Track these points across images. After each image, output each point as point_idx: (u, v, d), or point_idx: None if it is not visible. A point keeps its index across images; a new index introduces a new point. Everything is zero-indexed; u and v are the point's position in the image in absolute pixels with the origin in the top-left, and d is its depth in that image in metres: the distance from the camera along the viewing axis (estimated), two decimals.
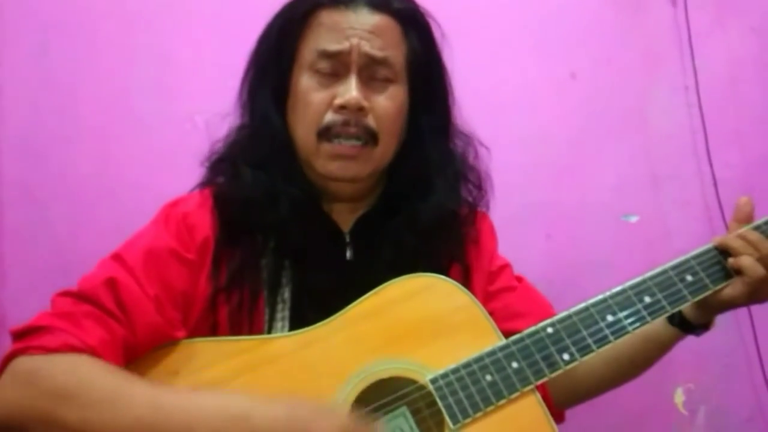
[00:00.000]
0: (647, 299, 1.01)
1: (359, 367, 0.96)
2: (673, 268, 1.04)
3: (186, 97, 1.64)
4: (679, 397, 1.69)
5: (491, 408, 0.94)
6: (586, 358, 0.98)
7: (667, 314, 1.02)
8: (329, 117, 1.05)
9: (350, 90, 1.04)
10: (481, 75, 1.65)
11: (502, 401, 0.95)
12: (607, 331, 0.99)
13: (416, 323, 1.00)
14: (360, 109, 1.04)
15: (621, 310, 1.01)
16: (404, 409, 0.96)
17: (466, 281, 1.12)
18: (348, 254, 1.11)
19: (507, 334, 1.00)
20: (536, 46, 1.74)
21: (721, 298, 1.04)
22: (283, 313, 1.04)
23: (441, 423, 0.94)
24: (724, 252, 1.05)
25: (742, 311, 1.61)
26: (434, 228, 1.10)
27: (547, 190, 1.71)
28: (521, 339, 0.99)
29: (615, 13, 1.76)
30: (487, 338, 0.99)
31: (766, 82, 1.76)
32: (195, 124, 1.63)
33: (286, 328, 1.03)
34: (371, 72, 1.06)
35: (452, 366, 0.96)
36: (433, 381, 0.96)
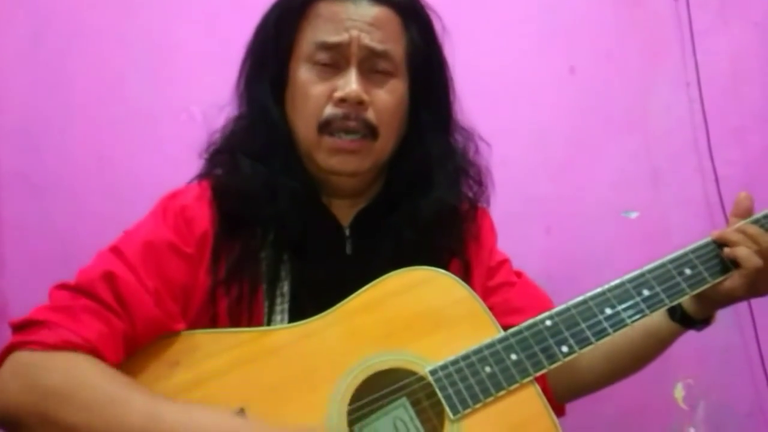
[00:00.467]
0: (646, 292, 1.02)
1: (358, 359, 0.97)
2: (672, 261, 1.04)
3: (182, 88, 1.64)
4: (679, 392, 1.69)
5: (491, 399, 0.95)
6: (584, 350, 0.98)
7: (665, 307, 1.02)
8: (329, 110, 1.04)
9: (350, 83, 1.03)
10: (480, 69, 1.65)
11: (502, 393, 0.95)
12: (605, 324, 0.99)
13: (415, 316, 1.00)
14: (360, 103, 1.04)
15: (620, 303, 1.01)
16: (404, 400, 0.96)
17: (466, 276, 1.12)
18: (347, 248, 1.11)
19: (506, 329, 1.00)
20: (535, 41, 1.74)
21: (720, 291, 1.04)
22: (282, 306, 1.04)
23: (441, 414, 0.94)
24: (722, 245, 1.05)
25: (742, 306, 1.61)
26: (434, 223, 1.09)
27: (546, 185, 1.71)
28: (520, 331, 0.99)
29: (615, 7, 1.76)
30: (486, 331, 1.00)
31: None
32: (191, 114, 1.63)
33: (286, 321, 1.03)
34: (371, 65, 1.06)
35: (452, 358, 0.97)
36: (433, 372, 0.96)
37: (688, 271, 1.03)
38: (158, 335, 0.98)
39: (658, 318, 1.11)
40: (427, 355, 0.97)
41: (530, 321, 1.00)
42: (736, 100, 1.74)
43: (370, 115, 1.05)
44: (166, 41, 1.67)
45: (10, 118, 1.64)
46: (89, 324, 0.91)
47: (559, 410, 1.17)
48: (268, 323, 1.03)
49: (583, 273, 1.64)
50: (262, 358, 0.97)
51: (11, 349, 0.90)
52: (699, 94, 1.73)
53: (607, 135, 1.73)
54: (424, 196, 1.10)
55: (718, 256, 1.04)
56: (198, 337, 0.99)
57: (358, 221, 1.12)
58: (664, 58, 1.75)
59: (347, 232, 1.11)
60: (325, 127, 1.05)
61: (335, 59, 1.05)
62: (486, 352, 0.97)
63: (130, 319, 0.95)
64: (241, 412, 0.92)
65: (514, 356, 0.97)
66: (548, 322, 1.00)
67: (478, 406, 0.94)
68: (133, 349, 0.96)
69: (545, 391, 1.10)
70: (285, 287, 1.05)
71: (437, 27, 1.14)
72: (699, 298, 1.06)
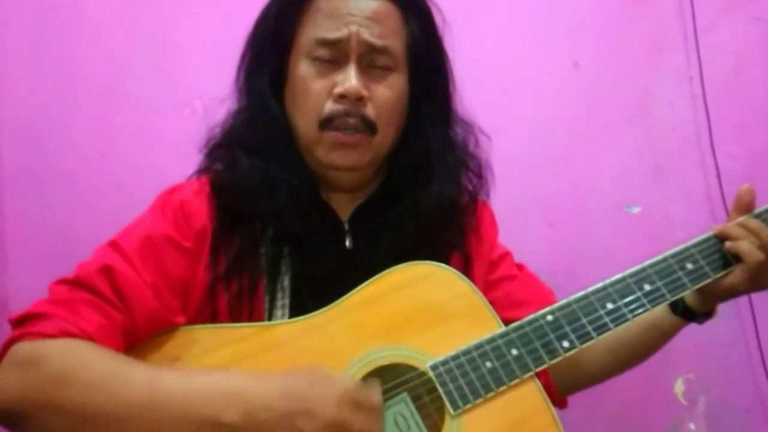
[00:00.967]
0: (647, 287, 1.01)
1: (359, 354, 0.96)
2: (673, 256, 1.04)
3: (185, 83, 1.64)
4: (679, 387, 1.69)
5: (491, 394, 0.95)
6: (585, 345, 0.98)
7: (666, 302, 1.02)
8: (329, 106, 1.04)
9: (349, 79, 1.03)
10: (483, 64, 1.65)
11: (502, 388, 0.95)
12: (606, 319, 0.99)
13: (416, 310, 1.00)
14: (359, 99, 1.04)
15: (621, 298, 1.01)
16: (405, 395, 0.96)
17: (466, 270, 1.11)
18: (347, 243, 1.10)
19: (508, 322, 1.00)
20: (539, 35, 1.74)
21: (722, 285, 1.04)
22: (283, 301, 1.04)
23: (441, 409, 0.94)
24: (723, 240, 1.04)
25: (743, 301, 1.61)
26: (434, 217, 1.09)
27: (548, 179, 1.71)
28: (521, 326, 0.99)
29: (619, 3, 1.76)
30: (487, 326, 0.99)
31: None
32: (194, 109, 1.63)
33: (286, 316, 1.03)
34: (370, 60, 1.05)
35: (452, 353, 0.96)
36: (434, 368, 0.96)
37: (689, 266, 1.03)
38: (158, 329, 0.98)
39: (659, 311, 1.10)
40: (428, 350, 0.97)
41: (531, 316, 1.00)
42: (738, 95, 1.74)
43: (369, 110, 1.05)
44: (170, 35, 1.67)
45: (13, 112, 1.64)
46: (88, 316, 0.91)
47: (561, 403, 1.18)
48: (269, 318, 1.03)
49: (585, 267, 1.64)
50: (263, 353, 0.96)
51: (10, 342, 0.90)
52: (701, 90, 1.72)
53: (609, 130, 1.73)
54: (424, 190, 1.09)
55: (719, 251, 1.04)
56: (198, 332, 0.99)
57: (358, 215, 1.12)
58: (667, 54, 1.75)
59: (346, 226, 1.11)
60: (327, 123, 1.04)
61: (335, 55, 1.05)
62: (487, 347, 0.97)
63: (129, 312, 0.94)
64: None
65: (515, 351, 0.97)
66: (549, 317, 0.99)
67: (478, 401, 0.94)
68: (133, 342, 0.96)
69: (547, 384, 1.11)
70: (285, 282, 1.05)
71: (437, 20, 1.13)
72: (701, 291, 1.06)
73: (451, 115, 1.16)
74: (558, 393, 1.16)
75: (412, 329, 0.99)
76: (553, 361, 0.97)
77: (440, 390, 0.94)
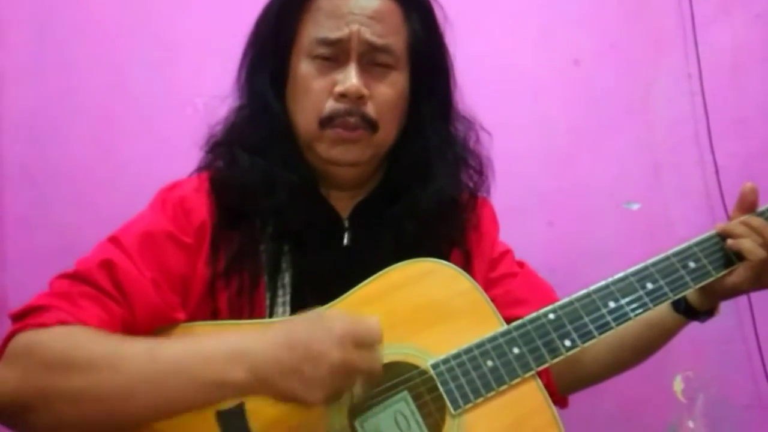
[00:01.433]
0: (649, 286, 1.01)
1: None
2: (676, 254, 1.03)
3: (187, 81, 1.64)
4: (678, 384, 1.69)
5: (492, 393, 0.94)
6: (587, 344, 0.98)
7: (669, 301, 1.02)
8: (330, 105, 1.04)
9: (350, 77, 1.03)
10: (484, 61, 1.65)
11: (504, 387, 0.95)
12: (608, 318, 0.99)
13: (418, 308, 0.99)
14: (360, 97, 1.03)
15: (623, 297, 1.00)
16: (405, 394, 0.95)
17: (467, 267, 1.11)
18: (346, 240, 1.10)
19: (509, 320, 1.00)
20: (539, 32, 1.73)
21: (725, 284, 1.04)
22: (284, 298, 1.04)
23: (442, 408, 0.94)
24: (726, 238, 1.04)
25: (742, 299, 1.61)
26: (434, 214, 1.09)
27: (548, 177, 1.71)
28: (523, 325, 0.98)
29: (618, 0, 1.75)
30: (488, 324, 0.99)
31: None
32: (196, 107, 1.62)
33: (287, 314, 1.02)
34: (371, 58, 1.05)
35: (454, 351, 0.96)
36: (435, 366, 0.95)
37: (692, 265, 1.03)
38: (158, 324, 0.97)
39: (661, 310, 1.10)
40: (430, 348, 0.97)
41: (533, 314, 0.99)
42: (737, 92, 1.73)
43: (370, 109, 1.05)
44: (171, 34, 1.66)
45: (13, 109, 1.63)
46: (89, 309, 0.92)
47: (562, 402, 1.18)
48: (270, 316, 1.03)
49: (585, 265, 1.64)
50: None
51: (10, 335, 0.90)
52: (700, 87, 1.72)
53: (609, 127, 1.73)
54: (423, 188, 1.09)
55: (722, 249, 1.04)
56: (198, 329, 0.98)
57: (357, 213, 1.12)
58: (666, 51, 1.74)
59: (346, 223, 1.11)
60: (327, 122, 1.04)
61: (335, 53, 1.04)
62: (488, 346, 0.97)
63: (129, 306, 0.95)
64: (241, 406, 0.90)
65: (516, 350, 0.97)
66: (551, 316, 0.99)
67: (479, 400, 0.94)
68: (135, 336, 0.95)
69: (548, 383, 1.10)
70: (286, 279, 1.05)
71: (439, 16, 1.13)
72: (703, 290, 1.06)
73: (451, 113, 1.15)
74: (559, 392, 1.16)
75: (414, 327, 0.98)
76: (555, 360, 0.97)
77: (441, 389, 0.94)
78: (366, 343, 0.87)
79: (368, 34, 1.03)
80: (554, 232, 1.71)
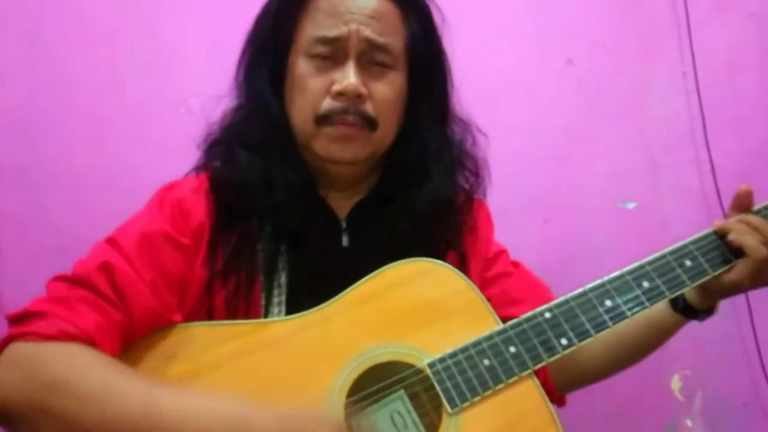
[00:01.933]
0: (646, 284, 1.01)
1: (356, 351, 0.96)
2: (672, 253, 1.03)
3: (181, 80, 1.63)
4: (676, 383, 1.70)
5: (489, 392, 0.94)
6: (584, 343, 0.98)
7: (665, 299, 1.01)
8: (327, 104, 1.04)
9: (348, 76, 1.02)
10: (478, 60, 1.63)
11: (500, 386, 0.95)
12: (605, 317, 0.99)
13: (413, 308, 0.99)
14: (358, 96, 1.03)
15: (619, 296, 1.00)
16: (402, 393, 0.95)
17: (463, 268, 1.10)
18: (344, 241, 1.10)
19: (505, 320, 0.99)
20: (533, 32, 1.74)
21: (724, 281, 1.03)
22: (279, 298, 1.03)
23: (439, 407, 0.94)
24: (723, 236, 1.04)
25: (740, 298, 1.62)
26: (429, 215, 1.09)
27: (543, 176, 1.71)
28: (519, 324, 0.98)
29: None
30: (484, 323, 0.99)
31: (765, 69, 1.75)
32: (190, 107, 1.62)
33: (283, 314, 1.02)
34: (370, 57, 1.05)
35: (450, 350, 0.96)
36: (431, 365, 0.95)
37: (688, 263, 1.02)
38: (155, 326, 0.97)
39: (660, 308, 1.10)
40: (426, 348, 0.97)
41: (529, 313, 0.99)
42: (732, 90, 1.74)
43: (369, 108, 1.04)
44: (165, 34, 1.66)
45: (8, 110, 1.62)
46: (86, 315, 0.91)
47: (559, 401, 1.18)
48: (266, 315, 1.02)
49: (580, 264, 1.64)
50: (260, 351, 0.96)
51: (8, 341, 0.89)
52: (696, 85, 1.73)
53: (604, 126, 1.73)
54: (419, 189, 1.09)
55: (718, 248, 1.04)
56: (194, 329, 0.98)
57: (355, 213, 1.12)
58: (661, 49, 1.75)
59: (344, 224, 1.11)
60: (323, 120, 1.04)
61: (333, 52, 1.04)
62: (484, 345, 0.96)
63: (127, 309, 0.94)
64: None
65: (512, 349, 0.96)
66: (547, 315, 0.99)
67: (476, 399, 0.94)
68: (130, 340, 0.95)
69: (545, 382, 1.10)
70: (282, 279, 1.04)
71: (436, 18, 1.12)
72: (702, 288, 1.06)
73: (448, 114, 1.15)
74: (557, 391, 1.15)
75: (410, 326, 0.98)
76: (552, 359, 0.97)
77: (438, 388, 0.94)
78: None
79: (367, 33, 1.03)
80: (549, 232, 1.71)
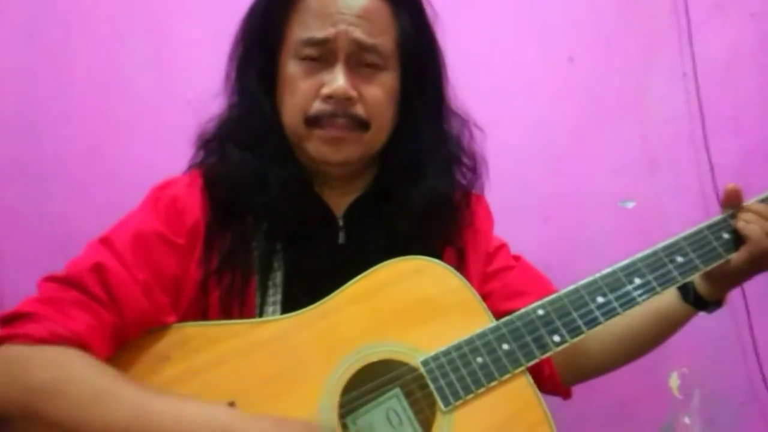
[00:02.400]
0: (637, 280, 1.01)
1: (351, 350, 0.96)
2: (663, 249, 1.03)
3: (181, 77, 1.62)
4: (674, 381, 1.69)
5: (483, 390, 0.94)
6: (576, 340, 0.98)
7: (656, 295, 1.01)
8: (317, 106, 1.03)
9: (337, 79, 1.02)
10: (478, 59, 1.64)
11: (494, 383, 0.95)
12: (597, 313, 0.99)
13: (407, 306, 1.00)
14: (348, 99, 1.02)
15: (611, 292, 1.00)
16: (397, 391, 0.96)
17: (461, 264, 1.11)
18: (341, 238, 1.10)
19: (507, 314, 1.00)
20: (534, 30, 1.73)
21: (726, 269, 1.03)
22: (274, 297, 1.03)
23: (434, 405, 0.94)
24: (718, 230, 1.04)
25: (737, 295, 1.61)
26: (427, 213, 1.08)
27: (543, 175, 1.70)
28: (512, 321, 0.99)
29: None
30: (478, 320, 0.99)
31: (765, 69, 1.74)
32: (189, 103, 1.56)
33: (278, 313, 1.02)
34: (359, 58, 1.04)
35: (443, 348, 0.96)
36: (425, 363, 0.95)
37: (679, 259, 1.03)
38: (148, 328, 0.97)
39: (671, 300, 1.10)
40: (420, 346, 0.97)
41: (522, 311, 0.99)
42: (732, 90, 1.73)
43: (360, 109, 1.04)
44: (165, 29, 1.65)
45: (5, 103, 1.62)
46: (78, 317, 0.90)
47: (565, 393, 1.18)
48: (260, 315, 1.02)
49: (580, 263, 1.61)
50: (254, 351, 0.96)
51: None
52: (695, 85, 1.71)
53: (604, 125, 1.72)
54: (416, 186, 1.09)
55: (709, 243, 1.04)
56: (188, 329, 0.98)
57: (352, 211, 1.11)
58: (661, 49, 1.74)
59: (341, 221, 1.11)
60: (313, 122, 1.04)
61: (323, 54, 1.03)
62: (478, 343, 0.97)
63: (120, 311, 0.94)
64: (231, 405, 0.91)
65: (506, 346, 0.97)
66: (540, 312, 0.99)
67: (469, 397, 0.94)
68: (123, 342, 0.95)
69: (551, 374, 1.12)
70: (278, 278, 1.04)
71: (429, 12, 1.11)
72: (710, 279, 1.06)
73: (444, 110, 1.14)
74: (563, 383, 1.16)
75: (404, 325, 0.99)
76: (544, 356, 0.97)
77: (431, 386, 0.94)
78: None
79: (356, 34, 1.02)
80: (549, 230, 1.70)
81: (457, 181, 1.15)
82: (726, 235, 1.04)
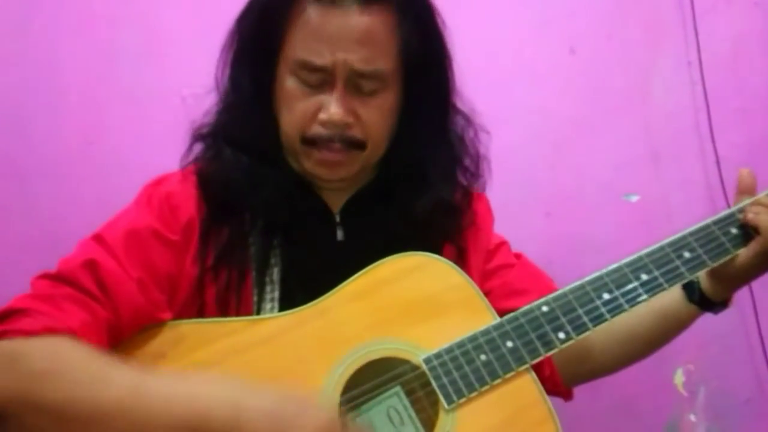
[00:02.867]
0: (644, 276, 0.99)
1: (351, 348, 0.95)
2: (670, 244, 1.02)
3: (174, 72, 1.62)
4: (679, 377, 1.68)
5: (486, 388, 0.93)
6: (581, 336, 0.97)
7: (664, 291, 1.00)
8: (314, 129, 1.02)
9: (334, 107, 1.00)
10: (478, 50, 1.62)
11: (497, 381, 0.94)
12: (603, 309, 0.98)
13: (409, 303, 0.98)
14: (344, 124, 1.01)
15: (617, 288, 0.99)
16: (398, 389, 0.95)
17: (460, 262, 1.09)
18: (338, 234, 1.09)
19: (507, 312, 0.98)
20: (535, 21, 1.71)
21: (734, 267, 1.02)
22: (272, 294, 1.02)
23: (436, 403, 0.93)
24: (725, 225, 1.02)
25: (744, 292, 1.60)
26: (428, 221, 1.08)
27: (545, 168, 1.69)
28: (516, 318, 0.97)
29: None
30: (481, 317, 0.98)
31: None
32: (183, 98, 1.60)
33: (276, 310, 1.01)
34: (357, 84, 1.01)
35: (446, 346, 0.95)
36: (427, 361, 0.94)
37: (687, 255, 1.01)
38: (143, 325, 0.96)
39: (675, 300, 1.09)
40: (422, 343, 0.96)
41: (526, 307, 0.98)
42: (738, 81, 1.72)
43: (357, 132, 1.03)
44: (158, 23, 1.64)
45: None
46: (72, 312, 0.90)
47: (566, 394, 1.17)
48: (258, 312, 1.01)
49: (583, 258, 1.63)
50: (252, 349, 0.95)
51: None
52: (700, 75, 1.70)
53: (606, 117, 1.71)
54: (418, 196, 1.08)
55: (717, 239, 1.02)
56: (185, 327, 0.97)
57: (350, 207, 1.11)
58: (665, 39, 1.73)
59: (338, 218, 1.10)
60: (310, 142, 1.03)
61: (320, 79, 1.01)
62: (481, 340, 0.95)
63: (114, 307, 0.93)
64: None
65: (510, 343, 0.95)
66: (545, 308, 0.98)
67: (473, 394, 0.93)
68: (118, 338, 0.94)
69: (552, 374, 1.11)
70: (275, 274, 1.03)
71: (437, 17, 1.08)
72: (716, 278, 1.04)
73: (449, 115, 1.12)
74: (564, 384, 1.15)
75: (405, 322, 0.97)
76: (549, 353, 0.96)
77: (434, 384, 0.93)
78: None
79: (354, 63, 0.99)
80: (551, 224, 1.69)
81: (459, 183, 1.14)
82: (734, 230, 1.02)
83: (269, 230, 1.05)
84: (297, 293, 1.00)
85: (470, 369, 0.94)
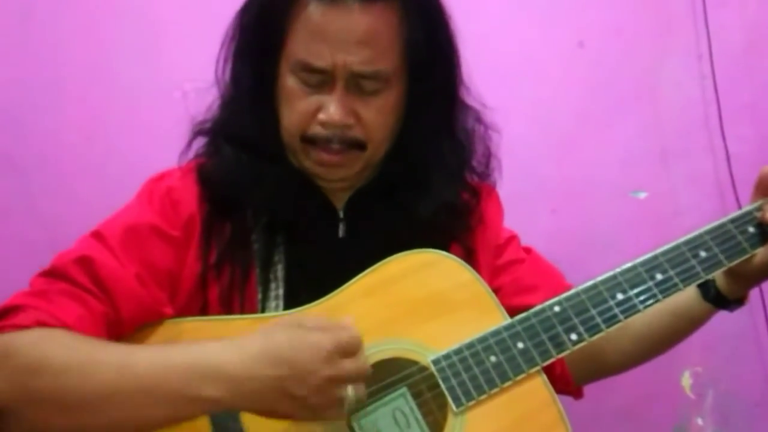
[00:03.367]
0: (659, 276, 0.97)
1: None
2: (686, 243, 0.99)
3: (175, 67, 1.61)
4: (687, 380, 1.67)
5: (496, 390, 0.92)
6: (594, 338, 0.95)
7: (678, 291, 0.98)
8: (313, 129, 1.01)
9: (334, 108, 0.99)
10: (486, 44, 1.59)
11: (508, 383, 0.92)
12: (616, 310, 0.95)
13: (417, 301, 0.97)
14: (344, 125, 1.00)
15: (631, 288, 0.97)
16: (405, 391, 0.93)
17: (469, 260, 1.06)
18: (341, 231, 1.08)
19: (519, 309, 0.97)
20: (542, 13, 1.69)
21: (753, 265, 0.99)
22: (276, 291, 1.01)
23: (444, 405, 0.92)
24: (742, 224, 1.00)
25: (753, 294, 1.58)
26: (432, 223, 1.06)
27: (552, 163, 1.68)
28: (527, 318, 0.95)
29: None
30: (491, 317, 0.96)
31: None
32: (184, 93, 1.59)
33: (281, 308, 1.00)
34: (359, 85, 1.00)
35: (455, 346, 0.93)
36: (436, 362, 0.93)
37: (703, 254, 0.99)
38: (145, 319, 0.96)
39: (690, 298, 1.07)
40: (430, 343, 0.94)
41: (538, 307, 0.96)
42: (749, 74, 1.70)
43: (357, 132, 1.01)
44: (158, 18, 1.63)
45: None
46: (66, 307, 0.90)
47: (577, 393, 1.16)
48: (263, 310, 1.00)
49: (590, 255, 1.61)
50: None
51: None
52: (711, 69, 1.68)
53: (615, 112, 1.69)
54: (422, 198, 1.06)
55: (734, 237, 1.00)
56: (187, 324, 0.96)
57: (353, 204, 1.09)
58: (675, 31, 1.70)
59: (341, 214, 1.09)
60: (310, 142, 1.02)
61: (320, 80, 0.99)
62: (491, 341, 0.94)
63: (111, 301, 0.92)
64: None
65: (520, 344, 0.94)
66: (557, 308, 0.96)
67: (482, 397, 0.91)
68: (119, 333, 0.94)
69: (562, 373, 1.10)
70: (279, 272, 1.02)
71: (445, 11, 1.06)
72: (733, 276, 1.02)
73: (455, 112, 1.10)
74: (575, 383, 1.13)
75: (414, 321, 0.96)
76: (561, 355, 0.94)
77: (443, 386, 0.92)
78: (352, 351, 0.86)
79: (354, 65, 0.97)
80: (558, 221, 1.68)
81: (466, 182, 1.13)
82: (751, 229, 1.00)
83: (272, 227, 1.04)
84: (301, 291, 0.99)
85: (480, 371, 0.92)
